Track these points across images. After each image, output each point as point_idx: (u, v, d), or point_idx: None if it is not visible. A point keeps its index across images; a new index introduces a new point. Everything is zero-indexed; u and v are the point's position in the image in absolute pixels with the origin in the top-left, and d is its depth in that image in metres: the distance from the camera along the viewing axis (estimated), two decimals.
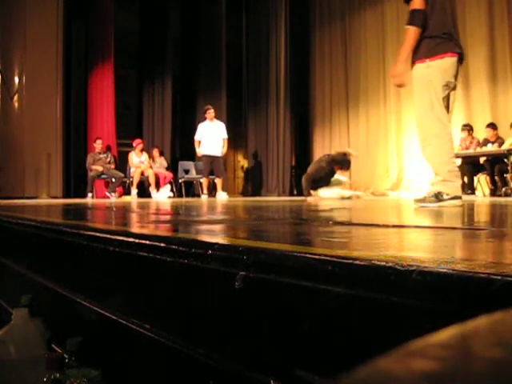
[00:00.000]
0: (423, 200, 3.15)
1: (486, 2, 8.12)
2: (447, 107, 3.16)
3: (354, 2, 9.80)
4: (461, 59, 3.11)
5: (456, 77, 3.13)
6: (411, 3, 3.07)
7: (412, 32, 3.08)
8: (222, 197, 8.39)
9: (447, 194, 3.11)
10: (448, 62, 3.04)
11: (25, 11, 8.34)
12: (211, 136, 8.60)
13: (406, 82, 3.23)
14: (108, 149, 9.31)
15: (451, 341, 0.20)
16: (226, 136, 8.81)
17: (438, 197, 3.13)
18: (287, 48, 10.77)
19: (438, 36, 3.05)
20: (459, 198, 3.12)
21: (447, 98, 3.15)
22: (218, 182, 8.66)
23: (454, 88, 3.17)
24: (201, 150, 8.63)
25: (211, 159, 8.56)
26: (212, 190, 9.03)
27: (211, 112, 8.72)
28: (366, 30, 9.52)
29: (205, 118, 8.82)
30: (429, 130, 3.12)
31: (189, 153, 10.63)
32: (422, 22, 3.06)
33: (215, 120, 8.78)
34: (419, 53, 3.10)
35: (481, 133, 7.88)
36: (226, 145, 8.79)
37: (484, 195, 7.86)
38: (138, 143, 9.42)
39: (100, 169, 8.87)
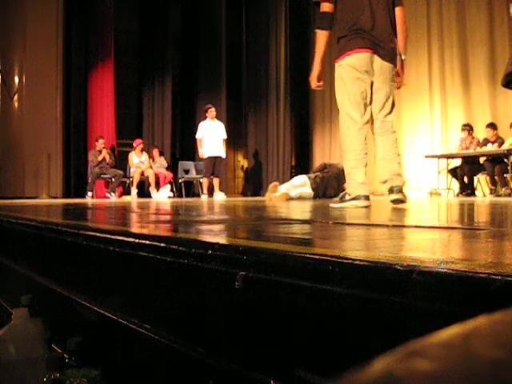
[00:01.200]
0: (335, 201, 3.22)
1: (486, 2, 8.12)
2: (370, 104, 3.14)
3: None
4: (378, 54, 3.06)
5: (371, 72, 3.08)
6: (320, 6, 3.20)
7: (319, 35, 3.20)
8: (219, 197, 8.39)
9: (349, 194, 3.12)
10: (356, 57, 3.05)
11: (25, 11, 8.34)
12: (212, 135, 8.61)
13: (322, 85, 3.31)
14: (112, 149, 9.32)
15: (451, 341, 0.20)
16: (225, 136, 8.84)
17: (342, 197, 3.21)
18: (287, 48, 10.78)
19: (347, 35, 3.09)
20: (363, 197, 3.07)
21: (371, 96, 3.12)
22: (216, 181, 8.66)
23: (375, 85, 3.11)
24: (204, 152, 8.62)
25: (214, 160, 8.56)
26: (211, 190, 9.03)
27: (213, 111, 8.73)
28: None
29: (205, 117, 8.81)
30: (341, 127, 3.18)
31: (189, 153, 10.64)
32: (328, 25, 3.17)
33: (215, 119, 8.79)
34: (336, 54, 3.17)
35: (481, 133, 7.88)
36: (224, 145, 8.81)
37: (484, 195, 7.86)
38: (138, 143, 9.43)
39: (104, 156, 8.84)
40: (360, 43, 3.05)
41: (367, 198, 3.10)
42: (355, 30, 3.07)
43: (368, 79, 3.09)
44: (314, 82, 3.28)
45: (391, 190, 3.11)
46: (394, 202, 3.12)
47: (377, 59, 3.08)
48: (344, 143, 3.18)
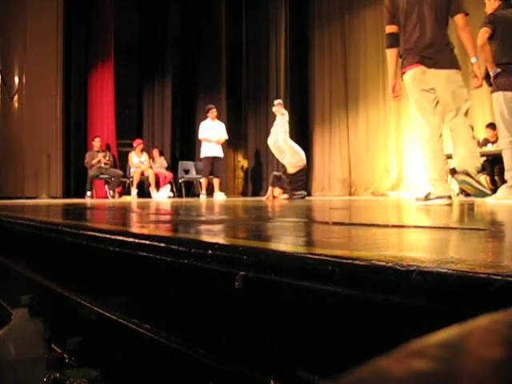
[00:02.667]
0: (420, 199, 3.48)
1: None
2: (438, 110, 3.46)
3: (354, 2, 9.80)
4: (427, 66, 3.38)
5: (426, 84, 3.40)
6: (385, 29, 3.59)
7: (389, 53, 3.63)
8: (219, 197, 8.39)
9: (433, 194, 3.37)
10: (411, 73, 3.42)
11: (25, 11, 8.34)
12: (213, 135, 8.61)
13: (400, 94, 3.71)
14: (107, 148, 9.31)
15: (451, 341, 0.20)
16: (226, 136, 8.85)
17: (427, 196, 3.42)
18: (287, 48, 10.77)
19: (402, 54, 3.50)
20: (446, 197, 3.33)
21: (436, 103, 3.44)
22: (216, 181, 8.66)
23: (437, 93, 3.42)
24: (203, 152, 8.62)
25: (213, 160, 8.56)
26: (211, 190, 9.03)
27: (214, 111, 8.73)
28: (366, 30, 9.52)
29: (206, 117, 8.80)
30: (421, 137, 3.51)
31: (189, 153, 10.63)
32: (391, 43, 3.57)
33: (216, 120, 8.79)
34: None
35: (481, 133, 7.87)
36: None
37: None
38: (138, 143, 9.42)
39: (97, 160, 8.84)
40: (410, 60, 3.43)
41: (450, 197, 3.39)
42: (407, 48, 3.45)
43: (428, 89, 3.42)
44: (393, 94, 3.71)
45: (467, 173, 3.35)
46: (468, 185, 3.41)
47: (428, 71, 3.38)
48: (420, 148, 3.52)
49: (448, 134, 3.55)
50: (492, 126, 7.66)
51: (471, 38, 3.46)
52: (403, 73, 3.50)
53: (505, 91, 4.05)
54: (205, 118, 8.86)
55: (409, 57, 3.43)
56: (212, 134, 8.60)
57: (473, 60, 3.50)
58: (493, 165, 7.52)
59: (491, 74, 4.15)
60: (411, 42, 3.42)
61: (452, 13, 3.39)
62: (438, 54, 3.38)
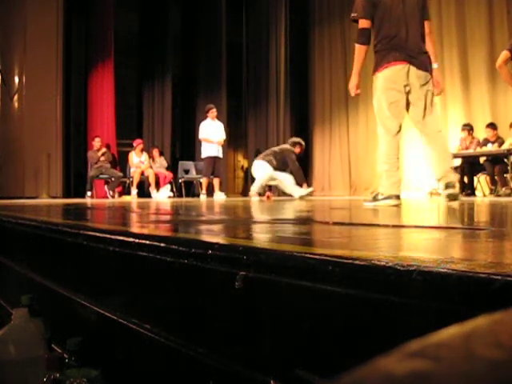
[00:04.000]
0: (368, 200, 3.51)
1: (485, 2, 8.12)
2: (408, 111, 3.52)
3: (354, 2, 9.79)
4: (413, 65, 3.36)
5: (406, 83, 3.37)
6: (359, 23, 3.49)
7: (358, 49, 3.51)
8: (219, 197, 8.39)
9: (382, 194, 3.40)
10: (393, 70, 3.37)
11: (25, 11, 8.34)
12: (213, 136, 8.60)
13: (359, 93, 3.66)
14: (107, 148, 9.31)
15: (451, 341, 0.20)
16: (224, 136, 8.83)
17: (375, 197, 3.45)
18: (287, 48, 10.77)
19: (383, 49, 3.40)
20: (394, 197, 3.35)
21: (408, 104, 3.46)
22: (216, 181, 8.65)
23: (413, 94, 3.41)
24: (204, 152, 8.61)
25: (213, 160, 8.55)
26: (211, 190, 9.03)
27: (214, 111, 8.71)
28: None
29: (205, 117, 8.79)
30: (378, 133, 3.60)
31: (189, 153, 10.63)
32: (366, 40, 3.47)
33: (216, 120, 8.79)
34: (374, 67, 3.49)
35: (481, 133, 7.87)
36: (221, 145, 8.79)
37: (484, 195, 7.86)
38: (138, 143, 9.42)
39: (102, 158, 8.87)
40: (396, 56, 3.35)
41: (398, 197, 3.39)
42: (392, 44, 3.37)
43: (403, 90, 3.39)
44: (353, 91, 3.62)
45: (447, 186, 3.33)
46: (449, 197, 3.34)
47: (412, 69, 3.36)
48: (380, 148, 3.53)
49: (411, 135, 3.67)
50: (492, 125, 7.65)
51: (434, 44, 3.62)
52: (379, 70, 3.40)
53: None
54: (205, 117, 8.85)
55: (393, 53, 3.36)
56: (212, 133, 8.60)
57: (435, 66, 3.53)
58: (493, 165, 7.52)
59: None
60: (396, 39, 3.36)
61: (424, 18, 3.51)
62: (419, 55, 3.40)
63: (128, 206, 4.50)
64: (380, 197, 3.39)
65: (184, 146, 11.06)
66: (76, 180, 9.52)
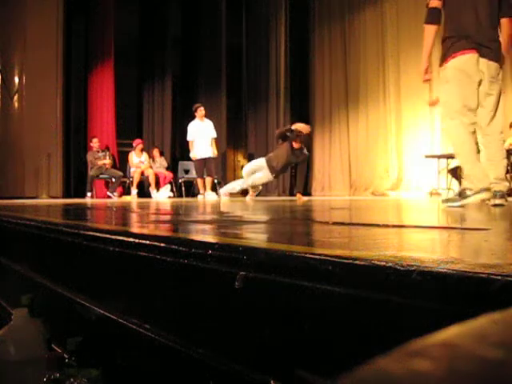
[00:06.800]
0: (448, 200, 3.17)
1: None
2: (478, 105, 3.13)
3: (354, 2, 9.79)
4: (482, 55, 3.06)
5: (478, 73, 3.07)
6: (430, 2, 3.17)
7: (428, 29, 3.20)
8: (210, 197, 8.36)
9: (470, 190, 3.06)
10: (462, 59, 3.08)
11: (25, 11, 8.33)
12: (202, 137, 8.48)
13: (431, 78, 3.35)
14: (107, 148, 9.31)
15: (451, 341, 0.20)
16: (215, 135, 8.68)
17: (461, 194, 3.12)
18: (287, 48, 10.77)
19: (452, 36, 3.13)
20: (484, 190, 3.01)
21: (478, 98, 3.11)
22: (208, 181, 8.61)
23: (483, 87, 3.09)
24: (195, 154, 8.56)
25: (204, 161, 8.51)
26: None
27: (202, 110, 8.56)
28: (366, 30, 9.51)
29: (194, 117, 8.68)
30: (449, 128, 3.22)
31: (189, 153, 10.63)
32: (436, 19, 3.17)
33: (205, 119, 8.67)
34: (441, 57, 3.20)
35: None
36: (214, 144, 8.67)
37: None
38: (138, 143, 9.42)
39: (103, 162, 8.87)
40: (464, 45, 3.08)
41: (488, 189, 3.05)
42: (460, 31, 3.11)
43: (475, 81, 3.10)
44: (423, 76, 3.37)
45: (494, 195, 3.07)
46: (495, 206, 3.07)
47: (482, 60, 3.09)
48: (453, 143, 3.23)
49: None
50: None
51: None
52: (447, 60, 3.14)
53: None
54: (193, 117, 8.72)
55: (461, 41, 3.08)
56: (199, 135, 8.49)
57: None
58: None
59: None
60: (464, 26, 3.10)
61: (503, 15, 3.19)
62: (491, 43, 3.11)
63: (128, 206, 4.50)
64: (469, 192, 3.06)
65: (184, 145, 11.05)
66: (76, 180, 9.52)
